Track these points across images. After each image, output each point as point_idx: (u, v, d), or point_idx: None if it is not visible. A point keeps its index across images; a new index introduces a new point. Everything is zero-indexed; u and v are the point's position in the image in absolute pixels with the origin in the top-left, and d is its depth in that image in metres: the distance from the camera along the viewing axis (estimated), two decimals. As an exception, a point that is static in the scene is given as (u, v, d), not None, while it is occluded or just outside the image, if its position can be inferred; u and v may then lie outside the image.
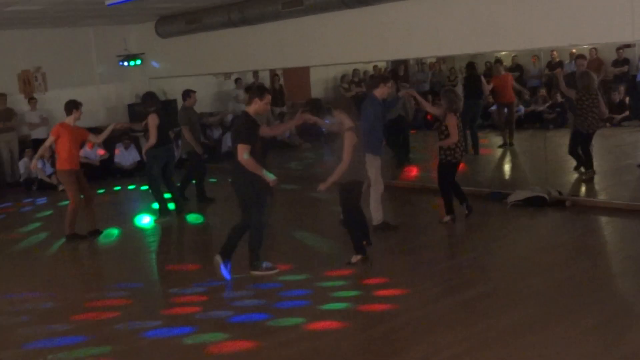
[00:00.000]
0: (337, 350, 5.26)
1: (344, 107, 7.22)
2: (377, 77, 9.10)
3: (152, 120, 9.76)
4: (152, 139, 9.79)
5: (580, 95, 10.37)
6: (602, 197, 9.74)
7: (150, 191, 10.39)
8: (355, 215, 7.34)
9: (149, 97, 10.09)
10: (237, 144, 6.91)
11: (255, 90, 7.36)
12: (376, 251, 7.73)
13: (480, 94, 13.63)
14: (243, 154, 6.83)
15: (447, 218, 8.78)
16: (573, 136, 10.65)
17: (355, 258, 7.32)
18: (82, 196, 9.24)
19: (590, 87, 10.29)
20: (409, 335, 5.45)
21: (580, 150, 10.56)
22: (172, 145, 10.51)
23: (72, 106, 9.25)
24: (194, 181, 11.35)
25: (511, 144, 13.87)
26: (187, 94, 11.08)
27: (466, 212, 8.82)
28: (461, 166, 8.94)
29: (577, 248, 7.54)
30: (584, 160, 10.56)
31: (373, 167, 8.16)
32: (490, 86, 13.79)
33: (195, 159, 11.10)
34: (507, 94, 13.91)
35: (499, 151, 13.81)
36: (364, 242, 7.45)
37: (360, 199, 7.37)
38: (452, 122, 8.43)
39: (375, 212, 8.53)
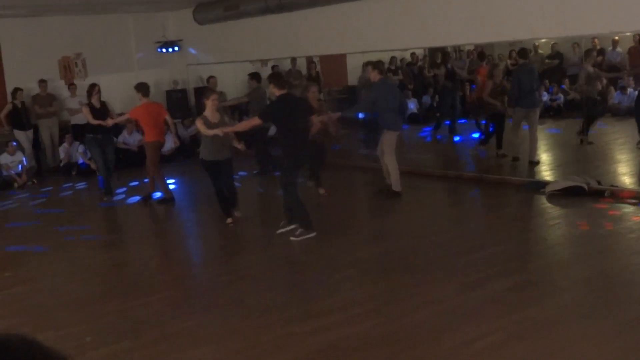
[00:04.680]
0: (369, 338, 5.27)
1: None
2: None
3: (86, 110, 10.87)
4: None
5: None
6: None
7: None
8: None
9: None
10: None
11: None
12: (413, 240, 7.72)
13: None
14: None
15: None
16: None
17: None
18: None
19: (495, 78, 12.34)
20: (443, 324, 5.43)
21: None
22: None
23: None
24: None
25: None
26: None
27: None
28: None
29: (616, 239, 7.43)
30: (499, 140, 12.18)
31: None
32: (480, 79, 13.83)
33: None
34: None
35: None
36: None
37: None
38: None
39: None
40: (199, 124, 8.50)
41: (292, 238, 8.00)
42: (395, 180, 9.75)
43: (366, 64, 10.53)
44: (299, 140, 7.97)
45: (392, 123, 9.66)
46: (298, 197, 8.07)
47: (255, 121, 8.36)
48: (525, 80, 11.22)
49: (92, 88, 10.90)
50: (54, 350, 1.25)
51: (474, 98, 14.02)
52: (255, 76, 12.47)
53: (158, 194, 10.69)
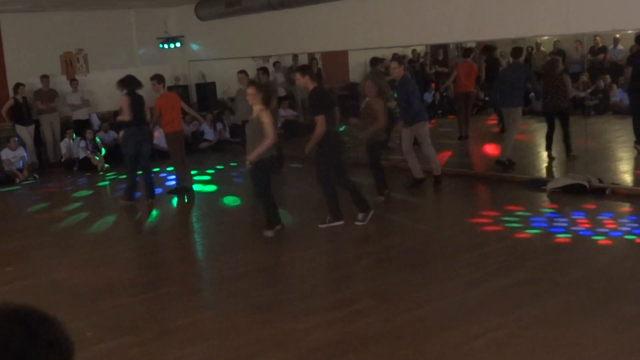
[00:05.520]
0: (369, 335, 5.27)
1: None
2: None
3: (125, 101, 10.10)
4: (126, 116, 10.13)
5: (545, 80, 11.26)
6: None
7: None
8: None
9: (128, 80, 10.39)
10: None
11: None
12: (414, 237, 7.73)
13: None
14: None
15: (380, 198, 9.36)
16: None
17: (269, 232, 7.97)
18: None
19: (553, 72, 11.23)
20: (444, 321, 5.44)
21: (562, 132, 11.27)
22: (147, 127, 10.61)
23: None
24: None
25: (467, 136, 13.76)
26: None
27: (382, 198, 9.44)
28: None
29: (617, 237, 7.42)
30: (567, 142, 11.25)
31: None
32: (455, 74, 13.67)
33: None
34: (470, 83, 13.77)
35: (538, 137, 13.63)
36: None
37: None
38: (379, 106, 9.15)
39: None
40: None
41: (320, 225, 8.18)
42: (417, 170, 10.01)
43: (391, 60, 10.47)
44: (334, 130, 8.17)
45: (423, 114, 9.91)
46: (333, 188, 8.17)
47: (323, 120, 7.87)
48: (506, 80, 11.00)
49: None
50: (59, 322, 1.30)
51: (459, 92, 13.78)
52: (266, 71, 12.70)
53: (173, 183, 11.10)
